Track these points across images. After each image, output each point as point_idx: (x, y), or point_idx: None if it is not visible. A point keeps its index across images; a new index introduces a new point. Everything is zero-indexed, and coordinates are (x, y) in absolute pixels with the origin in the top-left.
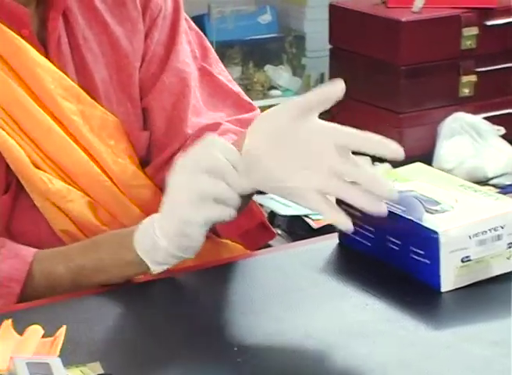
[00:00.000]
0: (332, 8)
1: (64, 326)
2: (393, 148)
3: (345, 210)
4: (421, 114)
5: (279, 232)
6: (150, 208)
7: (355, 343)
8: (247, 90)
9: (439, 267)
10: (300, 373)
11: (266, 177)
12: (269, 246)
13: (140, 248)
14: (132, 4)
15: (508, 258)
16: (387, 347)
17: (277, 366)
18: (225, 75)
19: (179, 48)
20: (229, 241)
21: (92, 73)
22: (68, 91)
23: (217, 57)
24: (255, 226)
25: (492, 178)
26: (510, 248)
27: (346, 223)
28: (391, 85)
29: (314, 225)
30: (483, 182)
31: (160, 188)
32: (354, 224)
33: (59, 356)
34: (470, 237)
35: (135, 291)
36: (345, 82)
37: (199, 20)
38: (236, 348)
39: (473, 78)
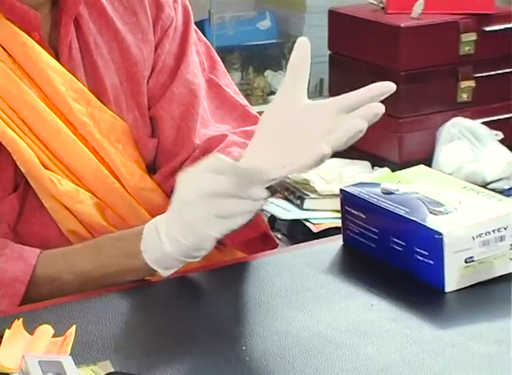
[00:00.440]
0: (332, 14)
1: (74, 326)
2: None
3: (350, 213)
4: (420, 119)
5: (279, 236)
6: (158, 211)
7: (361, 342)
8: (246, 95)
9: (443, 268)
10: (307, 372)
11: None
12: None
13: (149, 258)
14: (143, 14)
15: (511, 259)
16: (393, 346)
17: (284, 365)
18: (233, 87)
19: (189, 59)
20: (233, 250)
21: (103, 77)
22: (78, 94)
23: (225, 69)
24: (258, 235)
25: (490, 182)
26: None
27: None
28: None
29: (315, 229)
30: (482, 186)
31: (168, 195)
32: (358, 226)
33: (70, 355)
34: (473, 238)
35: (144, 291)
36: (344, 88)
37: (199, 26)
38: (243, 348)
39: (471, 83)
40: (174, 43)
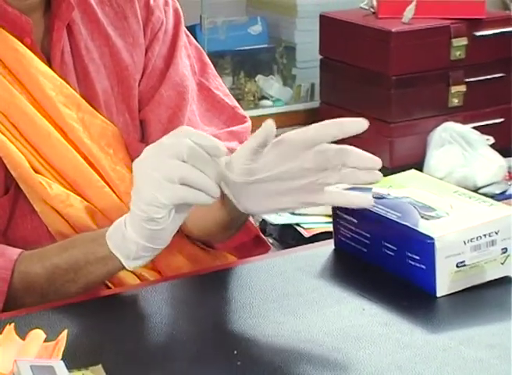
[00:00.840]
0: (323, 19)
1: (66, 331)
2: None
3: (341, 217)
4: (412, 124)
5: (271, 241)
6: None
7: (353, 346)
8: (238, 100)
9: (434, 272)
10: None
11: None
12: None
13: (111, 243)
14: (134, 18)
15: (502, 264)
16: (384, 350)
17: (276, 370)
18: (223, 89)
19: (179, 61)
20: (223, 252)
21: (94, 82)
22: (69, 99)
23: (215, 72)
24: (251, 239)
25: (481, 187)
26: (504, 253)
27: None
28: (381, 95)
29: (306, 234)
30: (473, 191)
31: None
32: (350, 230)
33: (61, 360)
34: (465, 243)
35: (135, 296)
36: (335, 92)
37: (191, 30)
38: (235, 352)
39: (462, 88)
40: (164, 45)
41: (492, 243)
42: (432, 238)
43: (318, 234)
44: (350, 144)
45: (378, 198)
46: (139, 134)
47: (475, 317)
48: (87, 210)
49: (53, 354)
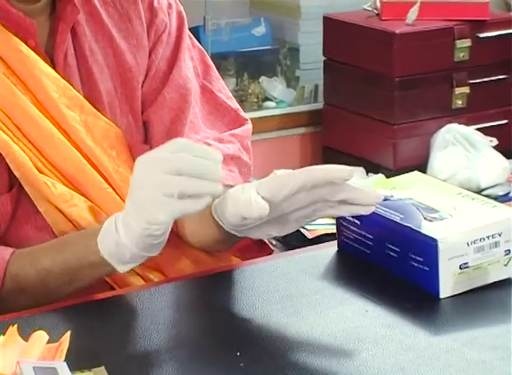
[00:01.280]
0: (326, 21)
1: (69, 332)
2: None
3: (344, 219)
4: (415, 125)
5: (274, 242)
6: None
7: (356, 348)
8: (241, 101)
9: (437, 274)
10: None
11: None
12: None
13: (104, 250)
14: (138, 20)
15: (505, 265)
16: (387, 352)
17: (279, 371)
18: (225, 92)
19: (182, 63)
20: (227, 255)
21: (97, 84)
22: (72, 101)
23: (218, 74)
24: (254, 242)
25: (485, 189)
26: (507, 254)
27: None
28: (385, 97)
29: (309, 235)
30: (476, 193)
31: None
32: (353, 232)
33: (64, 361)
34: (468, 244)
35: (138, 297)
36: (339, 94)
37: (194, 32)
38: (238, 353)
39: (466, 90)
40: (167, 48)
41: (496, 245)
42: (435, 240)
43: (321, 236)
44: (356, 148)
45: (382, 199)
46: (142, 136)
47: (478, 319)
48: (90, 210)
49: (56, 355)
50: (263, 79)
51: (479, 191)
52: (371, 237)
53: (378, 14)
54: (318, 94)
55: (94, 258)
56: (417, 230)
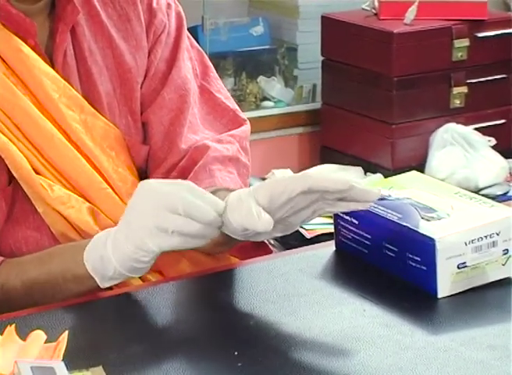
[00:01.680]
0: (325, 20)
1: (66, 331)
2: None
3: (342, 218)
4: (413, 125)
5: (272, 242)
6: None
7: (353, 347)
8: (239, 101)
9: (435, 273)
10: None
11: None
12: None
13: (89, 264)
14: (137, 20)
15: (503, 265)
16: (385, 351)
17: (277, 371)
18: (224, 92)
19: (181, 64)
20: (226, 255)
21: (97, 84)
22: (72, 100)
23: (216, 75)
24: (253, 242)
25: (483, 188)
26: (505, 254)
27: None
28: (383, 96)
29: (307, 234)
30: (474, 192)
31: None
32: (351, 231)
33: (62, 361)
34: (466, 244)
35: (136, 297)
36: (337, 93)
37: (192, 32)
38: (236, 353)
39: (464, 89)
40: (167, 48)
41: (493, 244)
42: (432, 239)
43: (319, 235)
44: (355, 148)
45: (379, 199)
46: (141, 136)
47: (476, 318)
48: (88, 211)
49: (54, 355)
50: (261, 78)
51: (477, 191)
52: (368, 236)
53: (376, 14)
54: (316, 94)
55: (78, 270)
56: (415, 229)
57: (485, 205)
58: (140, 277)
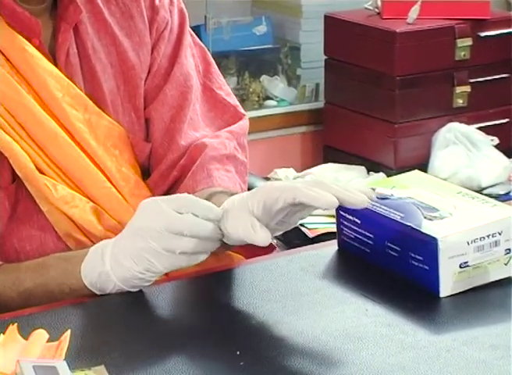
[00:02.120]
0: (327, 19)
1: (69, 331)
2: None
3: (344, 218)
4: (416, 124)
5: (275, 241)
6: None
7: (356, 347)
8: (242, 100)
9: (437, 273)
10: None
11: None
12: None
13: (87, 280)
14: (140, 17)
15: (505, 264)
16: (387, 351)
17: (279, 370)
18: (225, 89)
19: (183, 60)
20: (229, 253)
21: (100, 82)
22: (76, 100)
23: (218, 71)
24: None
25: (486, 188)
26: (507, 253)
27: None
28: (386, 96)
29: (310, 234)
30: (477, 192)
31: None
32: (353, 231)
33: (64, 360)
34: (468, 243)
35: (138, 295)
36: (340, 93)
37: (195, 31)
38: (238, 352)
39: (467, 89)
40: (169, 45)
41: (496, 244)
42: (435, 239)
43: (321, 235)
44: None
45: (382, 198)
46: (144, 133)
47: (478, 318)
48: (92, 211)
49: (56, 354)
50: (264, 78)
51: (480, 190)
52: (371, 236)
53: (379, 13)
54: (319, 93)
55: (75, 284)
56: (418, 229)
57: (488, 205)
58: None
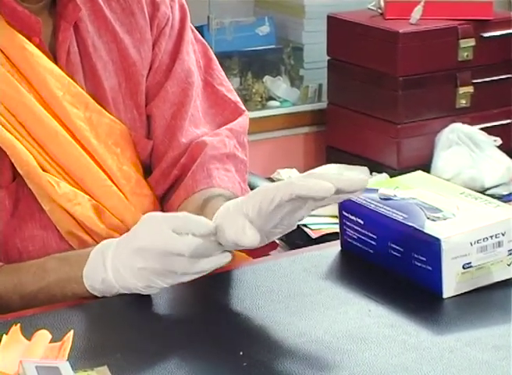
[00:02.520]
0: (330, 20)
1: (71, 331)
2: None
3: (347, 218)
4: (419, 125)
5: (277, 241)
6: None
7: (359, 348)
8: (245, 101)
9: (441, 274)
10: None
11: None
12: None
13: (90, 286)
14: (140, 13)
15: (508, 265)
16: (390, 351)
17: (282, 371)
18: (227, 85)
19: (185, 56)
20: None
21: (101, 80)
22: (76, 98)
23: (219, 67)
24: None
25: (489, 188)
26: (510, 254)
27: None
28: (389, 96)
29: (313, 234)
30: (480, 192)
31: (159, 201)
32: (356, 231)
33: (67, 361)
34: (471, 244)
35: (141, 296)
36: (343, 93)
37: (198, 31)
38: (241, 353)
39: (470, 89)
40: (170, 41)
41: (499, 244)
42: (438, 239)
43: (324, 235)
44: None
45: (385, 199)
46: (146, 130)
47: (481, 319)
48: (94, 208)
49: (59, 355)
50: (267, 78)
51: (483, 191)
52: (374, 236)
53: (382, 13)
54: (322, 94)
55: (77, 288)
56: (421, 229)
57: (491, 206)
58: None
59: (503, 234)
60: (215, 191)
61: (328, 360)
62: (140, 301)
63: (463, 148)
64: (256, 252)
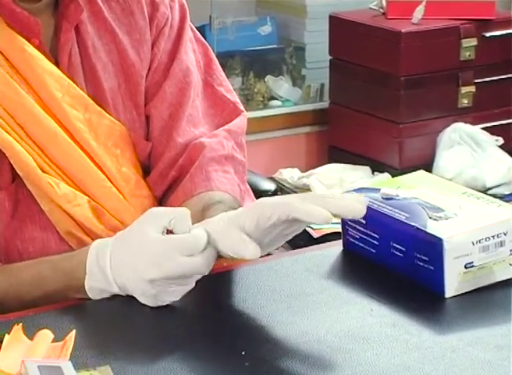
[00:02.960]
0: (332, 20)
1: (73, 331)
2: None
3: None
4: (421, 124)
5: None
6: None
7: (361, 347)
8: (247, 100)
9: (443, 273)
10: None
11: None
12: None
13: (92, 294)
14: (140, 14)
15: (510, 265)
16: (392, 351)
17: (284, 370)
18: (226, 85)
19: (183, 56)
20: None
21: (101, 81)
22: (76, 99)
23: (219, 67)
24: None
25: (490, 188)
26: None
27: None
28: (391, 96)
29: (315, 234)
30: (482, 192)
31: (159, 201)
32: (358, 231)
33: (69, 360)
34: (473, 244)
35: None
36: (345, 93)
37: (200, 31)
38: (243, 352)
39: (472, 89)
40: (169, 41)
41: (501, 244)
42: (440, 239)
43: (327, 235)
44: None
45: (387, 198)
46: (145, 131)
47: (484, 318)
48: (93, 210)
49: (61, 354)
50: (269, 78)
51: (485, 190)
52: (376, 236)
53: (384, 13)
54: (324, 93)
55: (79, 295)
56: (423, 229)
57: (493, 205)
58: None
59: (505, 234)
60: (214, 197)
61: (331, 360)
62: None
63: (465, 147)
64: None
